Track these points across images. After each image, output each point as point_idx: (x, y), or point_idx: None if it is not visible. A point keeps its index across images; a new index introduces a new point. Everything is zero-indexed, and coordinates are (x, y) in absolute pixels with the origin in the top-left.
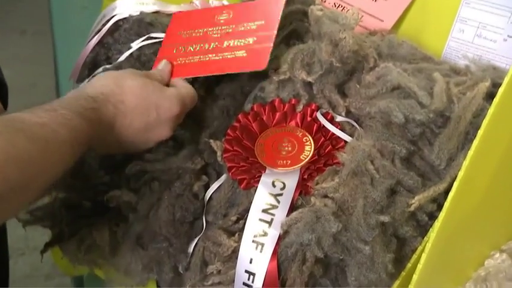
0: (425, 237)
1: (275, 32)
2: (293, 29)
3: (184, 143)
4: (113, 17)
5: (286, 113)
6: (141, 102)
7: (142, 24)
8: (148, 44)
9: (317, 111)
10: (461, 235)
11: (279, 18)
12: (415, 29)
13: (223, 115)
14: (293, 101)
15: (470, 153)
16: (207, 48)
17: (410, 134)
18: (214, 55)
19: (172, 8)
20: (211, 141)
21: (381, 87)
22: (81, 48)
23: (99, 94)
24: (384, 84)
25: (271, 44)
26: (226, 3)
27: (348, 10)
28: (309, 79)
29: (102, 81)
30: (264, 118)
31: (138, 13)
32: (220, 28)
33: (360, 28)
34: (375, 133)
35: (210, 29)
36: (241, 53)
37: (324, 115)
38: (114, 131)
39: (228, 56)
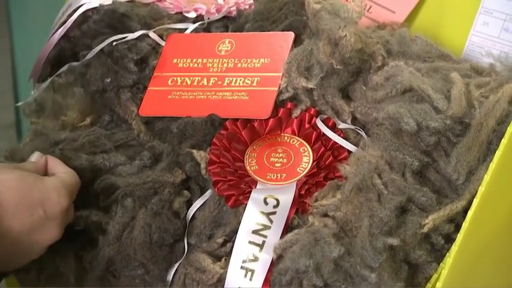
0: (441, 263)
1: (281, 74)
2: (289, 24)
3: (162, 154)
4: (80, 6)
5: (280, 119)
6: (22, 199)
7: (115, 15)
8: (122, 38)
9: (317, 117)
10: (482, 260)
11: (286, 58)
12: (431, 22)
13: (208, 123)
14: (289, 105)
15: (493, 165)
16: (205, 84)
17: (424, 144)
18: (213, 94)
19: None
20: (193, 151)
21: (390, 90)
22: (43, 41)
23: None
24: (394, 86)
25: (276, 88)
26: None
27: (352, 0)
28: (310, 85)
29: None
30: (256, 125)
31: (109, 2)
32: (221, 61)
33: (368, 21)
34: (383, 142)
35: (210, 60)
36: (242, 96)
37: (325, 121)
38: None
39: (229, 97)
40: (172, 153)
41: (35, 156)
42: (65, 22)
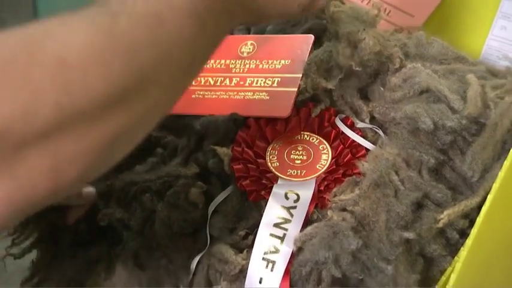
0: (455, 257)
1: (300, 75)
2: (309, 27)
3: (177, 150)
4: None
5: (300, 118)
6: None
7: None
8: None
9: (336, 116)
10: (496, 255)
11: (306, 60)
12: (449, 26)
13: (230, 122)
14: (309, 105)
15: (507, 163)
16: (228, 84)
17: (440, 142)
18: (235, 93)
19: None
20: (217, 148)
21: (408, 90)
22: None
23: None
24: (411, 87)
25: (296, 89)
26: None
27: (371, 4)
28: (329, 86)
29: None
30: (277, 123)
31: None
32: (243, 62)
33: (387, 24)
34: (400, 141)
35: (232, 61)
36: (263, 96)
37: (344, 120)
38: None
39: (250, 97)
40: (187, 148)
41: None
42: None
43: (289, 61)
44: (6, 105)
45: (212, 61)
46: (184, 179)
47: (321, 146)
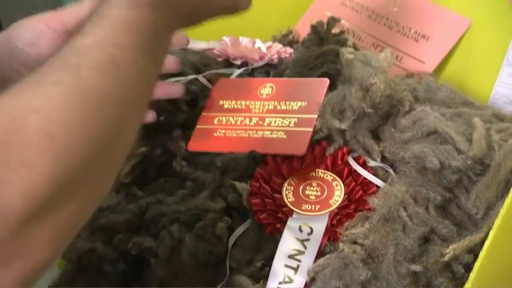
0: None
1: (316, 116)
2: (324, 72)
3: (204, 184)
4: None
5: (315, 156)
6: None
7: None
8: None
9: (348, 155)
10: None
11: (321, 102)
12: (459, 73)
13: (249, 159)
14: (323, 144)
15: (507, 201)
16: (248, 123)
17: (447, 181)
18: (254, 132)
19: (202, 45)
20: (236, 183)
21: (417, 132)
22: None
23: None
24: (420, 129)
25: (311, 129)
26: (258, 42)
27: (383, 51)
28: (343, 127)
29: None
30: (293, 161)
31: None
32: (262, 103)
33: (399, 70)
34: (409, 179)
35: (252, 102)
36: (281, 135)
37: (356, 159)
38: None
39: (268, 136)
40: (213, 183)
41: None
42: None
43: (306, 103)
44: (6, 188)
45: (233, 102)
46: (212, 213)
47: (334, 183)
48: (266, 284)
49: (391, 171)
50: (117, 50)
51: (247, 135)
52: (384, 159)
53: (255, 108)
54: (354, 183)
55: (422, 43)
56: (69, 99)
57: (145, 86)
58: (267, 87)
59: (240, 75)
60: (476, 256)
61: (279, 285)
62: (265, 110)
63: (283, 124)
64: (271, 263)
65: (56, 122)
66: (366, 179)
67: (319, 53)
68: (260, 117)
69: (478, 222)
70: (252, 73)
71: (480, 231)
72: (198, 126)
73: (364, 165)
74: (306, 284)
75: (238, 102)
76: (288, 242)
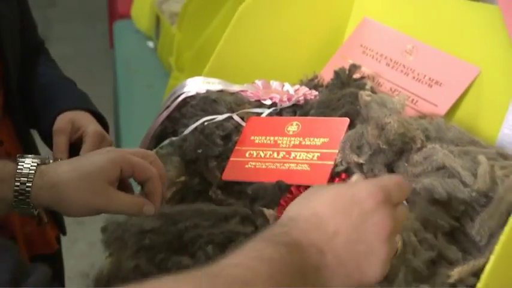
0: None
1: (337, 151)
2: (345, 112)
3: (236, 211)
4: (182, 94)
5: None
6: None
7: (207, 101)
8: (212, 119)
9: None
10: None
11: (342, 138)
12: (469, 116)
13: (276, 188)
14: (343, 176)
15: (507, 229)
16: (275, 156)
17: (453, 211)
18: (281, 165)
19: (236, 88)
20: (264, 209)
21: (427, 166)
22: (144, 125)
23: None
24: (430, 164)
25: (333, 162)
26: (287, 85)
27: (397, 95)
28: (360, 161)
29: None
30: None
31: (204, 91)
32: (289, 139)
33: (413, 111)
34: (419, 208)
35: (280, 138)
36: (305, 167)
37: None
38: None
39: (294, 168)
40: (244, 210)
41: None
42: (168, 106)
43: (328, 139)
44: None
45: (263, 137)
46: (243, 236)
47: None
48: None
49: (404, 201)
50: (251, 275)
51: (275, 167)
52: None
53: (282, 143)
54: None
55: (435, 88)
56: None
57: None
58: (294, 125)
59: (270, 114)
60: (479, 279)
61: None
62: (291, 145)
63: (307, 158)
64: None
65: None
66: None
67: (341, 96)
68: (287, 151)
69: (481, 248)
70: (280, 112)
71: (483, 256)
72: (231, 159)
73: None
74: None
75: (268, 138)
76: None
